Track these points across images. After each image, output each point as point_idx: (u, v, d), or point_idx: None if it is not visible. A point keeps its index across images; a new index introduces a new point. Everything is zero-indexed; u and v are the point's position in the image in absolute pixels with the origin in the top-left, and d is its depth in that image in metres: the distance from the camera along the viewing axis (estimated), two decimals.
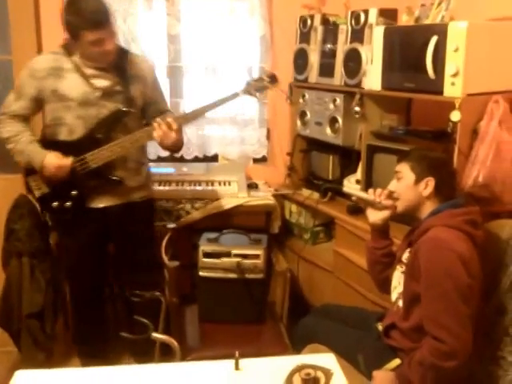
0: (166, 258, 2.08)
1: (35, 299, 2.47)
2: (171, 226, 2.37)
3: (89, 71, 2.15)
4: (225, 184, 2.94)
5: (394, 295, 1.84)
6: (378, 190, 1.86)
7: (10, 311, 2.48)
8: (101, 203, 2.27)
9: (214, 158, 3.20)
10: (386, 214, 1.86)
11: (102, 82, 2.16)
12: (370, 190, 1.90)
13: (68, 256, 2.42)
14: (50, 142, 2.20)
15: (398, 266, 1.85)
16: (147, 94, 2.29)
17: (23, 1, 2.94)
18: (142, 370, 1.55)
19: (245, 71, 3.11)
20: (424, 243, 1.65)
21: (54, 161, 2.13)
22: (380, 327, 1.88)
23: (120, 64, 2.19)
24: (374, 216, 1.89)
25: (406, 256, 1.79)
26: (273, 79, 2.25)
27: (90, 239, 2.34)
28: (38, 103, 2.19)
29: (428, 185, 1.74)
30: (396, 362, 1.74)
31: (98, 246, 2.39)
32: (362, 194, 1.97)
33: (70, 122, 2.17)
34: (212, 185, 2.93)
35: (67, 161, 2.15)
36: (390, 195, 1.82)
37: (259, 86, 2.25)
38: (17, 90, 2.19)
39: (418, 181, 1.76)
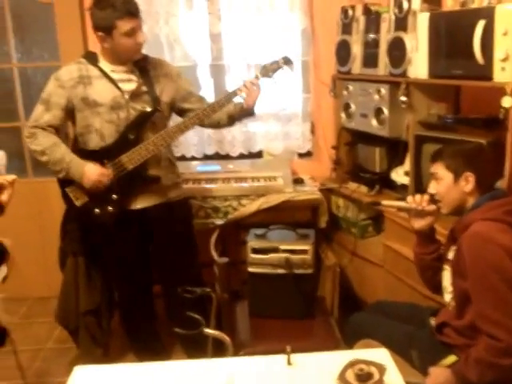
0: (215, 255, 2.10)
1: (91, 297, 2.55)
2: (219, 222, 2.40)
3: (115, 76, 2.23)
4: (270, 180, 2.95)
5: (447, 296, 1.79)
6: (418, 197, 1.80)
7: (68, 309, 2.57)
8: (139, 204, 2.31)
9: (259, 155, 3.21)
10: (430, 219, 1.81)
11: (129, 85, 2.24)
12: (409, 198, 1.84)
13: (112, 259, 2.47)
14: (82, 150, 2.26)
15: (445, 266, 1.80)
16: (174, 89, 2.35)
17: (69, 9, 3.05)
18: (196, 364, 1.58)
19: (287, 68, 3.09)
20: (466, 239, 1.60)
21: (95, 169, 2.18)
22: (433, 322, 1.83)
23: (142, 66, 2.27)
24: (420, 223, 1.83)
25: (452, 254, 1.74)
26: (287, 61, 2.36)
27: (132, 241, 2.39)
28: (68, 113, 2.24)
29: (468, 180, 1.68)
30: (452, 358, 1.69)
31: (139, 248, 2.43)
32: (403, 204, 1.89)
33: (99, 128, 2.23)
34: (258, 181, 2.94)
35: (108, 171, 2.20)
36: (432, 199, 1.77)
37: (274, 68, 2.35)
38: (45, 101, 2.22)
39: (456, 178, 1.70)
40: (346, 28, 2.82)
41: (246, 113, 2.37)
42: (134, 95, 2.24)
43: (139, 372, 1.54)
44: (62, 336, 2.88)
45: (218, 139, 3.12)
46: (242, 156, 3.20)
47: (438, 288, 1.88)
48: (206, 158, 3.19)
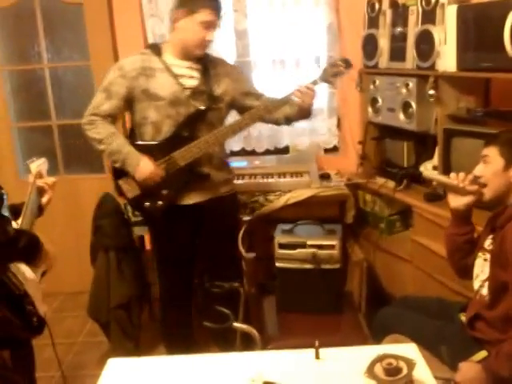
0: (243, 250, 2.12)
1: (122, 291, 2.60)
2: (247, 218, 2.41)
3: (177, 71, 2.22)
4: (297, 175, 2.95)
5: (477, 283, 1.77)
6: (461, 174, 1.76)
7: (100, 303, 2.63)
8: (191, 200, 2.31)
9: (285, 150, 3.22)
10: (469, 199, 1.76)
11: (190, 82, 2.24)
12: (453, 174, 1.80)
13: (161, 252, 2.47)
14: (137, 144, 2.26)
15: (479, 253, 1.77)
16: (237, 87, 2.34)
17: (98, 9, 3.10)
18: (225, 358, 1.60)
19: (313, 61, 3.09)
20: (511, 230, 1.57)
21: (149, 166, 2.19)
22: (463, 318, 1.82)
23: (204, 64, 2.27)
24: (457, 201, 1.80)
25: (488, 243, 1.72)
26: (347, 64, 2.26)
27: (183, 236, 2.39)
28: (128, 103, 2.24)
29: None
30: (483, 353, 1.67)
31: (189, 242, 2.43)
32: (444, 179, 1.85)
33: (157, 121, 2.23)
34: (284, 176, 2.95)
35: (161, 171, 2.22)
36: (475, 180, 1.73)
37: (335, 72, 2.25)
38: (106, 90, 2.21)
39: (507, 167, 1.66)
40: (373, 22, 2.80)
41: (303, 114, 2.34)
42: (194, 92, 2.23)
43: (170, 364, 1.57)
44: (93, 329, 2.94)
45: (245, 135, 3.13)
46: (268, 152, 3.21)
47: (465, 272, 1.86)
48: (233, 154, 3.21)
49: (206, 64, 2.28)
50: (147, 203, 2.27)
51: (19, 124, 3.41)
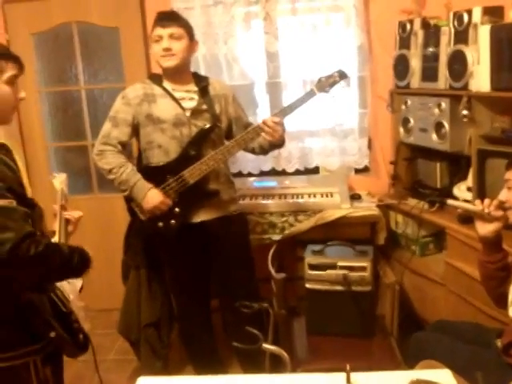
0: (272, 270, 2.11)
1: (153, 309, 2.61)
2: (276, 238, 2.40)
3: (177, 94, 2.34)
4: (327, 195, 2.94)
5: None
6: (487, 201, 1.74)
7: (130, 321, 2.65)
8: (200, 218, 2.37)
9: (315, 170, 3.21)
10: (496, 225, 1.73)
11: (190, 103, 2.35)
12: (477, 201, 1.78)
13: (172, 272, 2.53)
14: (146, 166, 2.36)
15: None
16: (230, 110, 2.45)
17: (134, 33, 3.20)
18: (255, 379, 1.59)
19: (343, 82, 3.09)
20: None
21: (157, 197, 2.27)
22: (499, 344, 1.76)
23: (203, 86, 2.38)
24: (484, 229, 1.76)
25: None
26: (342, 74, 2.34)
27: (192, 254, 2.44)
28: (134, 129, 2.35)
29: None
30: None
31: (199, 261, 2.47)
32: (469, 206, 1.83)
33: (164, 143, 2.32)
34: (314, 197, 2.94)
35: (168, 200, 2.29)
36: (501, 205, 1.70)
37: (330, 82, 2.33)
38: (113, 119, 2.34)
39: None
40: (404, 42, 2.79)
41: (275, 145, 2.39)
42: (195, 113, 2.34)
43: None
44: (123, 347, 2.96)
45: (274, 155, 3.14)
46: (298, 172, 3.21)
47: (502, 301, 1.80)
48: (263, 174, 3.22)
49: (206, 86, 2.39)
50: (161, 223, 2.33)
51: (56, 144, 3.51)
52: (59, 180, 1.78)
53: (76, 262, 1.47)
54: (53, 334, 1.46)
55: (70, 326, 1.56)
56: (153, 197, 2.27)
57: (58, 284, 1.58)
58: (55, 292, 1.55)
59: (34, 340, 1.47)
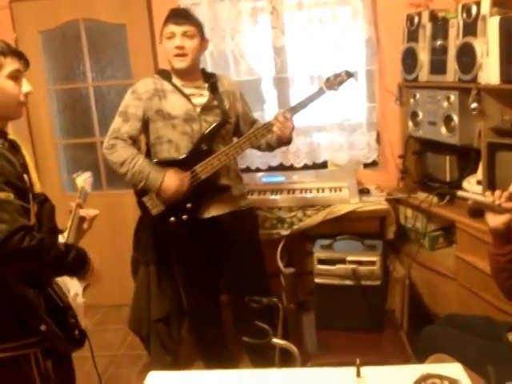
0: (281, 265, 2.11)
1: (162, 305, 2.63)
2: (284, 233, 2.40)
3: (187, 91, 2.34)
4: (335, 190, 2.93)
5: None
6: (497, 192, 1.72)
7: (141, 317, 2.66)
8: (211, 213, 2.38)
9: (324, 165, 3.20)
10: (507, 217, 1.71)
11: (200, 99, 2.35)
12: (488, 193, 1.76)
13: (182, 267, 2.53)
14: (159, 161, 2.34)
15: None
16: (237, 107, 2.46)
17: (141, 30, 3.20)
18: (265, 374, 1.59)
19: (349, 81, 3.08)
20: None
21: (174, 178, 2.26)
22: (511, 337, 1.75)
23: (213, 82, 2.39)
24: (494, 220, 1.74)
25: None
26: (348, 73, 2.39)
27: (203, 249, 2.44)
28: (144, 123, 2.35)
29: None
30: None
31: (209, 256, 2.48)
32: (479, 198, 1.81)
33: (174, 139, 2.32)
34: (323, 191, 2.93)
35: (186, 174, 2.28)
36: None
37: (339, 81, 2.37)
38: (123, 113, 2.33)
39: None
40: (412, 35, 2.77)
41: (282, 142, 2.41)
42: (205, 109, 2.34)
43: (209, 379, 1.57)
44: (134, 343, 2.98)
45: (282, 150, 3.14)
46: (306, 167, 3.20)
47: None
48: (271, 169, 3.22)
49: (215, 82, 2.40)
50: (172, 218, 2.33)
51: (64, 141, 3.53)
52: (82, 178, 1.78)
53: (71, 260, 1.47)
54: (43, 328, 1.46)
55: (66, 322, 1.56)
56: (171, 178, 2.25)
57: (59, 279, 1.59)
58: (52, 287, 1.56)
59: (31, 333, 1.48)
